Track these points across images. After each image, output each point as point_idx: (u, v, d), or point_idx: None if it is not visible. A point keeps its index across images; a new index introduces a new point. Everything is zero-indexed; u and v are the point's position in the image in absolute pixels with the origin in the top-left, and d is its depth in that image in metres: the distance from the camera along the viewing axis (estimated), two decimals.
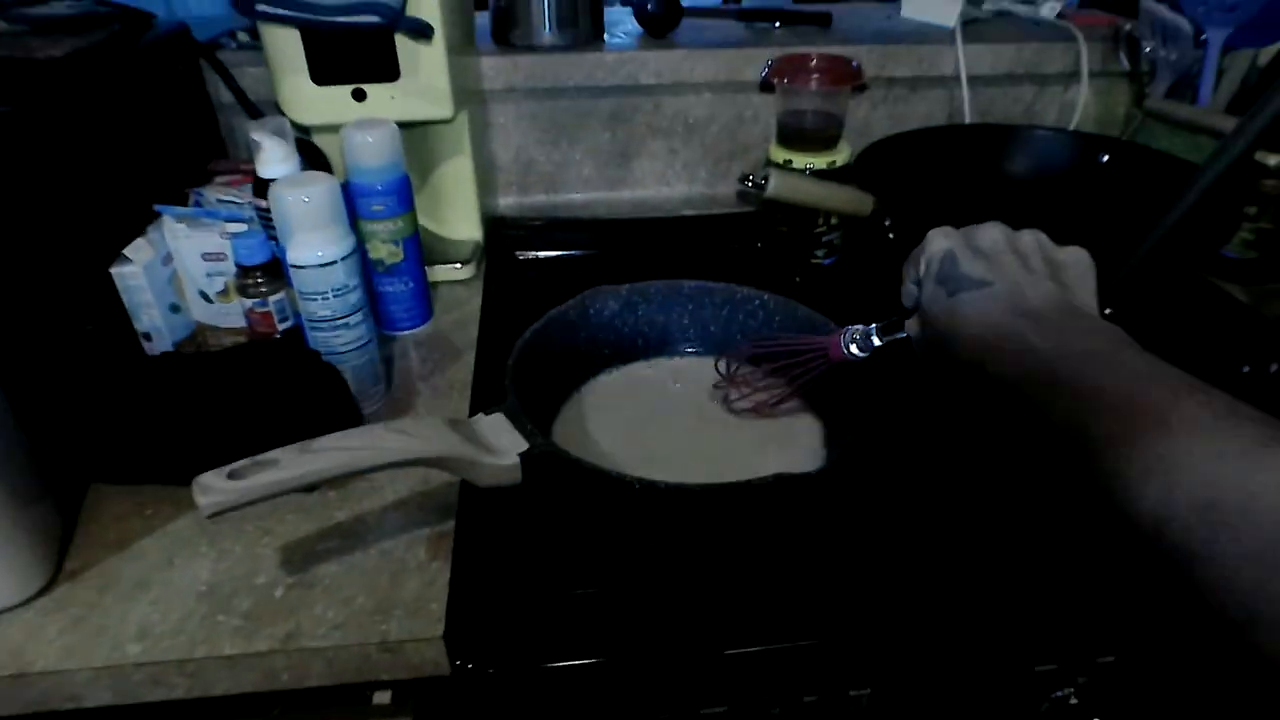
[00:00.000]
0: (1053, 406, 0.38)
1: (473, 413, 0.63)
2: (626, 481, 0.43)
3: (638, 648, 0.46)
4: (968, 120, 0.95)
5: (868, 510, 0.53)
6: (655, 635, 0.46)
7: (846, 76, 0.79)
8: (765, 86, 0.94)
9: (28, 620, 0.47)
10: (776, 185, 0.70)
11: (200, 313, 0.67)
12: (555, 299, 0.63)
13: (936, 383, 0.55)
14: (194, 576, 0.50)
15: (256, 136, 0.59)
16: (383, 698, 0.52)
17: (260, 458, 0.39)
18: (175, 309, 0.65)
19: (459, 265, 0.81)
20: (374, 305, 0.72)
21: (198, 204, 0.66)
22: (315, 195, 0.55)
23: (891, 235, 0.75)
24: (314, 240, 0.55)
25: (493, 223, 0.91)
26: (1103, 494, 0.34)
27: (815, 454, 0.56)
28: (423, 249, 0.71)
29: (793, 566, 0.49)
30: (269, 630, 0.47)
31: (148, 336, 0.65)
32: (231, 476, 0.38)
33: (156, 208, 0.64)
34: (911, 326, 0.51)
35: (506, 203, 0.98)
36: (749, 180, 0.71)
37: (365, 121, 0.65)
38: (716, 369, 0.61)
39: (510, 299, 0.80)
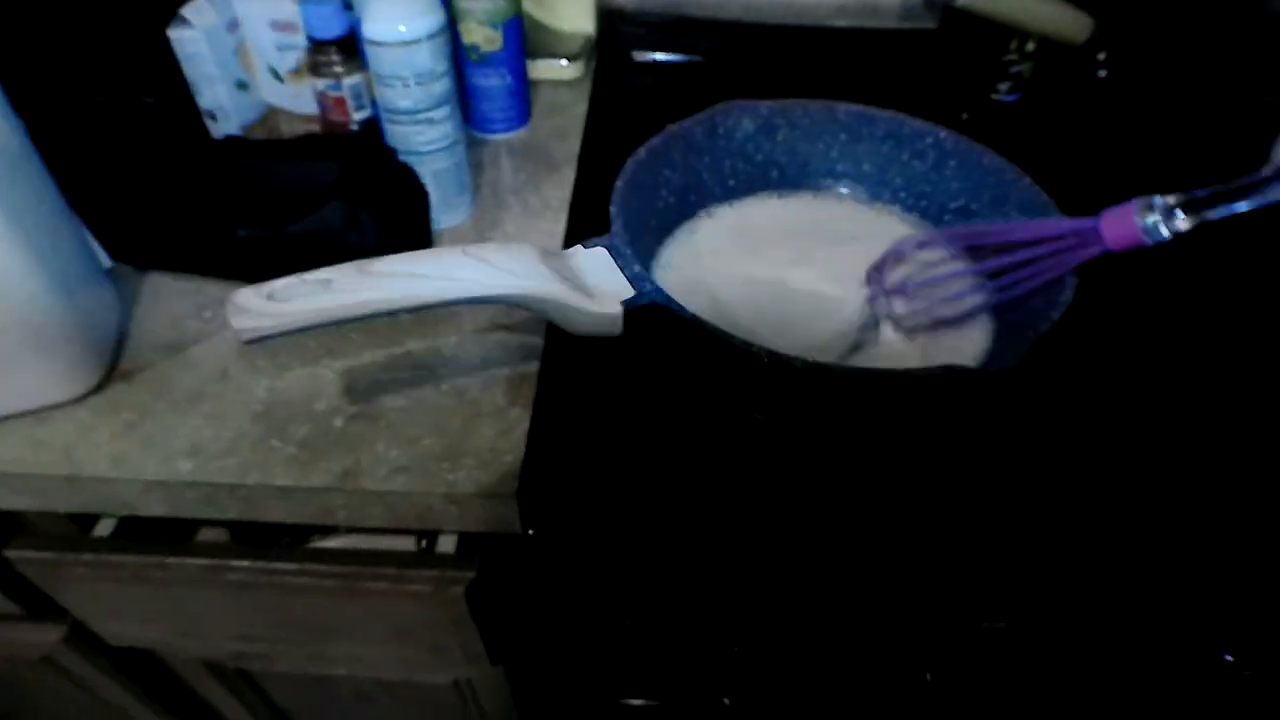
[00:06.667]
0: None
1: (568, 240, 0.54)
2: (753, 353, 0.34)
3: (738, 546, 0.39)
4: None
5: (1057, 430, 0.42)
6: (765, 537, 0.39)
7: None
8: None
9: (80, 419, 0.44)
10: None
11: (271, 93, 0.58)
12: (672, 111, 0.51)
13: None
14: (249, 394, 0.45)
15: None
16: (447, 544, 0.48)
17: (309, 276, 0.31)
18: (242, 86, 0.57)
19: (565, 62, 0.69)
20: (463, 100, 0.62)
21: None
22: None
23: (1103, 73, 0.59)
24: (395, 11, 0.45)
25: (607, 15, 0.77)
26: None
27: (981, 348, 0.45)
28: (525, 38, 0.60)
29: (946, 489, 0.40)
30: (326, 464, 0.41)
31: (212, 116, 0.57)
32: (273, 298, 0.31)
33: None
34: None
35: None
36: None
37: None
38: (875, 269, 0.47)
39: (621, 107, 0.68)
